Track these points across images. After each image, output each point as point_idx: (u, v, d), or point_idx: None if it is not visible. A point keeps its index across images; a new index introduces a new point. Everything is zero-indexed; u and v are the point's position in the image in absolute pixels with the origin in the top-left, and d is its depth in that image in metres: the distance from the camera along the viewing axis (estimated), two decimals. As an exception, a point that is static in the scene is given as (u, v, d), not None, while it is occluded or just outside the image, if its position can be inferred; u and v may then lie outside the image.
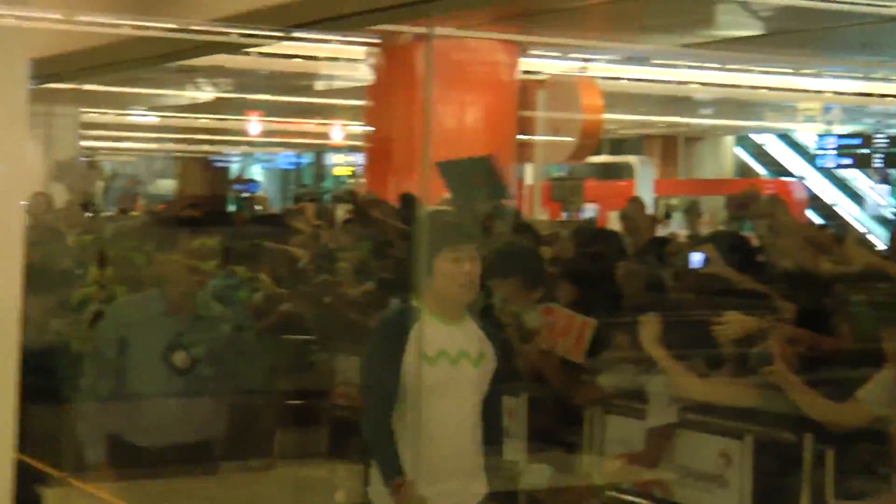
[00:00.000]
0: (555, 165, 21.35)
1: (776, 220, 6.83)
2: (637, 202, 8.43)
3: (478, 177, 7.02)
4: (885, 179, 28.01)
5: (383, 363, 4.47)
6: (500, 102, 14.49)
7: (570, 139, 14.07)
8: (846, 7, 10.57)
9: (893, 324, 4.82)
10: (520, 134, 14.90)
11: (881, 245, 11.32)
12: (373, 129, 15.26)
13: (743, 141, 30.13)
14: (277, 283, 8.21)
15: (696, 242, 6.72)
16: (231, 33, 13.14)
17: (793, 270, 6.44)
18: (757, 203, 6.96)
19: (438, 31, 13.77)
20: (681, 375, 5.17)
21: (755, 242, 7.11)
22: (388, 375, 4.43)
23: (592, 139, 14.27)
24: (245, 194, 39.53)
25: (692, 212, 10.50)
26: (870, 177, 28.04)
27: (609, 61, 16.71)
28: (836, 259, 6.21)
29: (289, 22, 8.05)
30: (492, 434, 4.57)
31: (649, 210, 18.39)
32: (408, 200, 9.05)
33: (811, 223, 14.68)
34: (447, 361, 4.43)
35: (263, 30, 13.31)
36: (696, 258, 5.76)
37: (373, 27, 11.09)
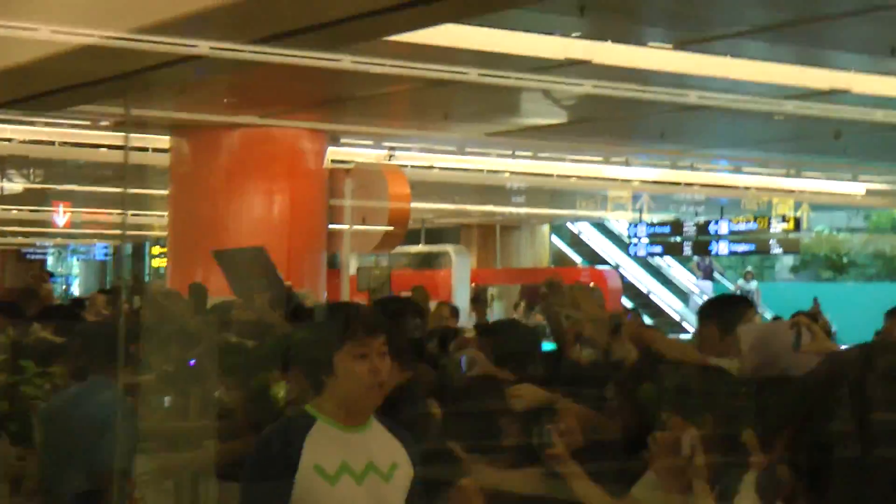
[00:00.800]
0: (374, 254, 21.30)
1: (579, 308, 6.76)
2: (420, 291, 8.31)
3: (253, 267, 6.83)
4: (708, 275, 28.58)
5: (266, 486, 3.74)
6: (308, 191, 14.39)
7: (377, 228, 14.00)
8: (640, 95, 10.78)
9: (676, 410, 4.72)
10: (330, 222, 14.80)
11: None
12: (177, 218, 14.98)
13: (559, 230, 30.60)
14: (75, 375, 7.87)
15: (479, 333, 6.61)
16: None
17: (579, 361, 6.39)
18: (558, 293, 6.89)
19: (246, 119, 13.70)
20: (467, 461, 5.00)
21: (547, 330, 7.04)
22: (273, 501, 3.71)
23: (400, 228, 14.22)
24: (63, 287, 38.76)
25: (480, 301, 10.38)
26: (693, 272, 28.61)
27: (421, 150, 16.78)
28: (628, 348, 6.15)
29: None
30: None
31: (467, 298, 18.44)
32: (197, 290, 8.81)
33: (617, 311, 14.82)
34: (351, 479, 3.75)
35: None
36: (464, 361, 5.64)
37: (77, 108, 10.79)
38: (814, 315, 12.46)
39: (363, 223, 14.19)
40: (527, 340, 5.86)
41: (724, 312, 5.62)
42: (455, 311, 9.74)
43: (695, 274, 28.55)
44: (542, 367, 5.74)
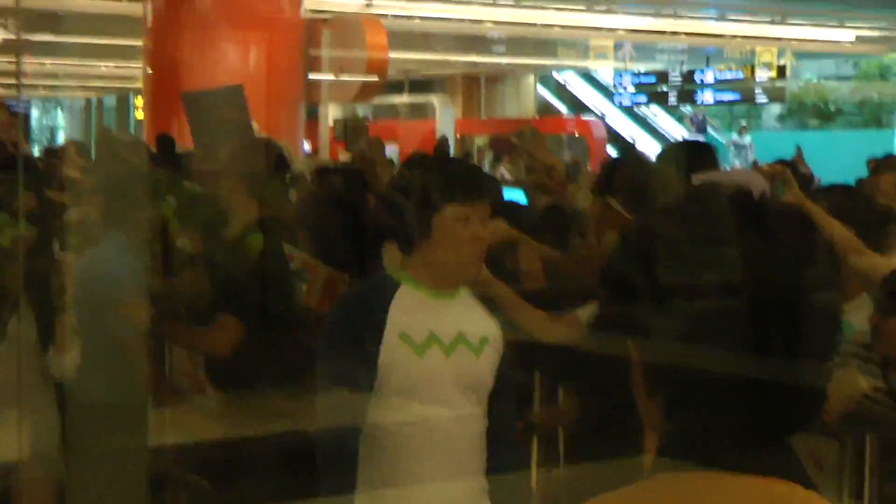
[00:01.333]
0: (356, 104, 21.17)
1: (533, 156, 6.72)
2: (375, 143, 8.21)
3: (224, 110, 6.66)
4: (700, 130, 28.39)
5: (351, 354, 3.37)
6: (284, 41, 14.19)
7: (355, 78, 13.86)
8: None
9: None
10: (308, 73, 14.66)
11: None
12: (153, 69, 14.81)
13: (545, 80, 30.35)
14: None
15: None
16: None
17: (544, 209, 6.38)
18: (528, 142, 6.83)
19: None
20: None
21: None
22: (359, 369, 3.36)
23: (378, 78, 14.08)
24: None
25: (441, 150, 10.29)
26: (686, 127, 28.43)
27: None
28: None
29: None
30: (501, 447, 3.51)
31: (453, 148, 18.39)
32: (164, 141, 8.72)
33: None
34: (440, 350, 3.39)
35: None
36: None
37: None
38: (795, 164, 12.40)
39: (341, 73, 14.05)
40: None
41: (683, 159, 5.52)
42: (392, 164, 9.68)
43: (687, 128, 28.35)
44: (503, 215, 5.72)
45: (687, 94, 21.81)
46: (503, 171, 13.93)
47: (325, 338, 3.48)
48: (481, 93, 28.10)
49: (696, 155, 5.55)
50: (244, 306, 4.97)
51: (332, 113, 17.35)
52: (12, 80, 29.78)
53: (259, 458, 4.90)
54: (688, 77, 21.41)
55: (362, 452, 3.39)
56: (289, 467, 4.97)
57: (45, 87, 32.29)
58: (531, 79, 29.39)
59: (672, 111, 27.85)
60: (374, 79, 14.10)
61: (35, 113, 39.74)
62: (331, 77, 14.21)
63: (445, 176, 3.45)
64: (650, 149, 28.00)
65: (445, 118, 23.37)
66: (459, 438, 3.42)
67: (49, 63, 24.68)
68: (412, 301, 3.41)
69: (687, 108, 25.78)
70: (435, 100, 24.18)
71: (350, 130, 15.00)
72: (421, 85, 27.21)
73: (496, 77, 28.37)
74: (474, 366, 3.45)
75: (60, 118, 42.17)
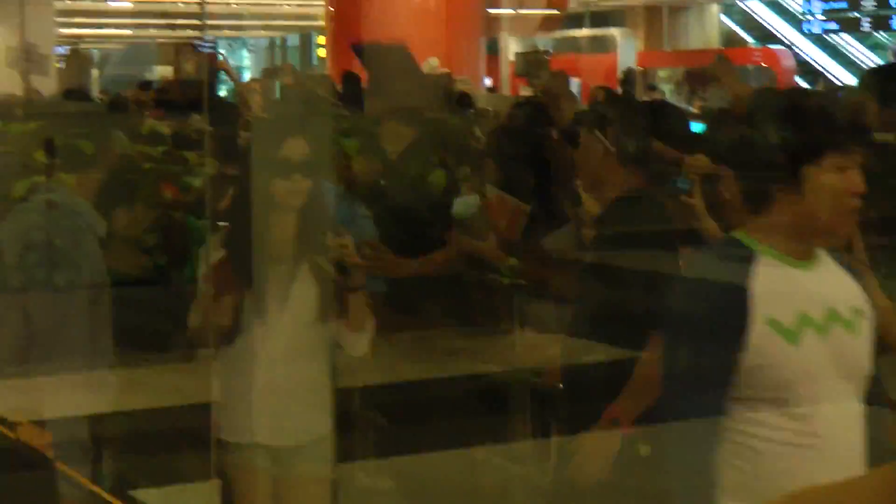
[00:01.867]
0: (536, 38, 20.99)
1: (724, 85, 6.54)
2: (559, 76, 8.12)
3: (395, 62, 6.68)
4: (898, 55, 27.29)
5: (706, 346, 2.82)
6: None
7: (535, 11, 13.73)
8: None
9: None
10: (489, 7, 14.58)
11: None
12: (335, 7, 14.92)
13: (729, 9, 29.59)
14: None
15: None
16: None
17: (725, 139, 6.20)
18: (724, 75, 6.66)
19: None
20: None
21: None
22: (718, 368, 2.79)
23: (559, 10, 13.91)
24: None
25: (627, 82, 10.08)
26: (888, 60, 27.37)
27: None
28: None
29: None
30: None
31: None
32: (350, 79, 8.74)
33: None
34: (814, 333, 2.79)
35: None
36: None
37: None
38: None
39: (521, 7, 13.93)
40: (667, 118, 5.71)
41: (886, 83, 5.32)
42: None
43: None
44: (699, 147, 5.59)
45: (882, 20, 20.97)
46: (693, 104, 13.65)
47: (670, 325, 2.96)
48: (664, 24, 27.54)
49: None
50: (429, 243, 4.98)
51: (512, 47, 17.22)
52: (198, 21, 30.42)
53: (438, 399, 4.88)
54: (883, 1, 20.57)
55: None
56: (468, 409, 4.95)
57: (229, 27, 32.88)
58: (715, 8, 28.69)
59: (865, 39, 26.87)
60: (555, 11, 13.93)
61: (221, 54, 40.53)
62: (511, 10, 14.09)
63: (823, 117, 2.89)
64: (843, 79, 27.14)
65: (627, 51, 23.00)
66: (844, 444, 2.84)
67: (234, 3, 25.10)
68: (775, 273, 2.84)
69: (881, 35, 24.77)
70: (616, 32, 23.80)
71: (532, 65, 14.87)
72: (602, 17, 26.81)
73: (679, 7, 27.76)
74: (853, 346, 2.90)
75: (246, 58, 42.95)
